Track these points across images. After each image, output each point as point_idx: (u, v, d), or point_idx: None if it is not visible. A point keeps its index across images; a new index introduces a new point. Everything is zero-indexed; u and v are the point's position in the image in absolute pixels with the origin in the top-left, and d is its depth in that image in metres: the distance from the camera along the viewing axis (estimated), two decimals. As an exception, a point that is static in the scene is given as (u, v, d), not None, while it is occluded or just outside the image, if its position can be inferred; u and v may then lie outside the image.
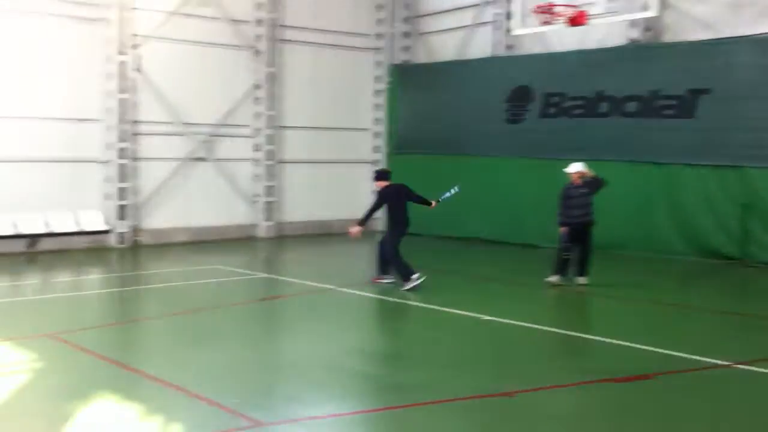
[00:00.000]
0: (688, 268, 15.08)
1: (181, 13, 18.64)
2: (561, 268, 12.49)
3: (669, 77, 15.95)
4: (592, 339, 9.21)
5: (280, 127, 20.44)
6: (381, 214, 13.71)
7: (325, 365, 8.10)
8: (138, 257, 16.65)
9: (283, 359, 8.56)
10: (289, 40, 20.53)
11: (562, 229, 12.49)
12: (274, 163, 20.23)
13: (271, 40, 20.00)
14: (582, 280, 12.51)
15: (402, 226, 12.65)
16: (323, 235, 20.72)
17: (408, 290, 11.99)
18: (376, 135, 22.13)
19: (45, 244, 16.92)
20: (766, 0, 15.28)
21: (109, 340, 9.42)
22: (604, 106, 16.99)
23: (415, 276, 12.15)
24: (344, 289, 12.39)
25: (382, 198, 12.68)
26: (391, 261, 12.49)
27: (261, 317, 11.03)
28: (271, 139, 20.11)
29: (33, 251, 16.71)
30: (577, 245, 12.48)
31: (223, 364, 8.08)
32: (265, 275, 14.60)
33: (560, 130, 17.65)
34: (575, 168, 12.52)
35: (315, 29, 20.87)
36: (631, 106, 16.51)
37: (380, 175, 13.32)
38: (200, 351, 8.64)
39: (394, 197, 12.68)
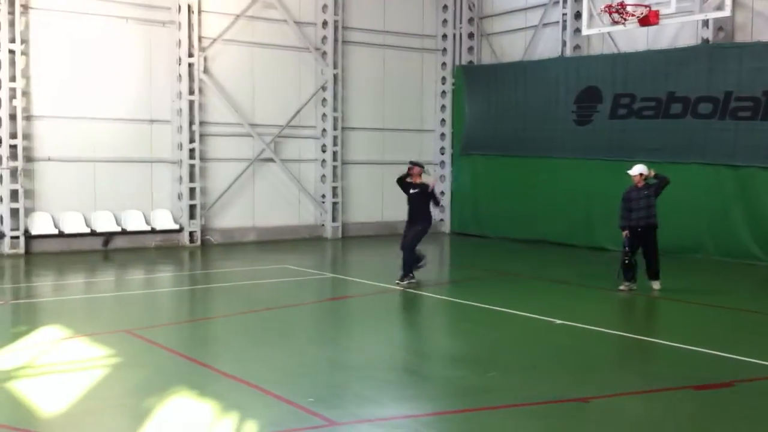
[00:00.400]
0: (765, 273, 14.67)
1: (248, 16, 18.94)
2: (626, 273, 12.23)
3: (743, 78, 15.54)
4: (667, 345, 9.01)
5: (346, 128, 20.57)
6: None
7: (396, 366, 8.12)
8: (208, 256, 16.95)
9: (354, 359, 8.59)
10: (354, 42, 20.65)
11: (624, 233, 12.23)
12: (339, 164, 20.36)
13: (336, 41, 20.14)
14: (656, 284, 12.25)
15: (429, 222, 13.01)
16: (388, 236, 20.75)
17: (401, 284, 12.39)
18: (442, 136, 22.10)
19: (118, 243, 17.36)
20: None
21: (183, 336, 9.62)
22: (676, 108, 16.62)
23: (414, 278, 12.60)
24: (411, 290, 12.38)
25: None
26: (410, 253, 12.66)
27: (329, 317, 11.10)
28: (336, 141, 20.25)
29: (107, 249, 17.15)
30: (641, 249, 12.16)
31: (295, 363, 8.16)
32: (332, 275, 14.70)
33: (630, 132, 17.35)
34: (637, 170, 12.21)
35: (379, 31, 20.98)
36: (705, 108, 16.12)
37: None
38: (272, 349, 8.75)
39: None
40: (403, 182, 12.89)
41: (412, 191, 12.71)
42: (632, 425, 6.38)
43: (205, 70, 18.45)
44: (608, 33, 17.51)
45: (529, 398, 6.94)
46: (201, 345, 9.31)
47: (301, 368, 7.96)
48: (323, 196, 20.25)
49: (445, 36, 21.97)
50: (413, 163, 13.00)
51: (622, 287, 12.15)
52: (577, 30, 18.55)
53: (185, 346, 9.00)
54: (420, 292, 12.27)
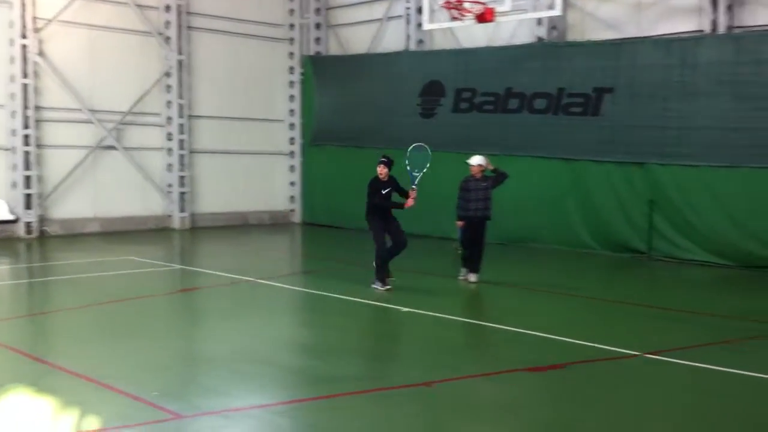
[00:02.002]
0: (598, 261, 15.64)
1: (87, -1, 18.22)
2: (465, 263, 12.50)
3: (575, 75, 16.50)
4: (506, 329, 9.48)
5: (193, 116, 20.18)
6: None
7: (246, 357, 8.12)
8: (46, 248, 16.21)
9: (203, 351, 8.53)
10: (200, 28, 20.29)
11: (459, 223, 12.50)
12: (186, 153, 19.96)
13: (180, 27, 19.70)
14: (473, 278, 12.40)
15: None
16: (240, 226, 20.63)
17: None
18: (292, 126, 22.09)
19: (-55, 235, 16.31)
20: (667, 1, 15.96)
21: (19, 332, 9.20)
22: (513, 103, 17.44)
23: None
24: (262, 281, 12.38)
25: None
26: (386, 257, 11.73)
27: (178, 309, 10.93)
28: (183, 129, 19.84)
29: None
30: (473, 240, 12.37)
31: (141, 357, 8.00)
32: (181, 267, 14.45)
33: (472, 125, 18.03)
34: (476, 160, 12.31)
35: (226, 17, 20.71)
36: (540, 103, 17.00)
37: None
38: (117, 343, 8.54)
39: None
40: (378, 193, 11.65)
41: (384, 191, 11.66)
42: (474, 407, 6.70)
43: (40, 53, 17.58)
44: (451, 29, 18.08)
45: (378, 384, 7.15)
46: (39, 340, 8.97)
47: (146, 362, 7.82)
48: (170, 185, 19.79)
49: (292, 25, 21.95)
50: (384, 162, 11.72)
51: (461, 276, 12.55)
52: (421, 24, 19.05)
53: (21, 342, 8.61)
54: (272, 283, 12.28)
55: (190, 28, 20.04)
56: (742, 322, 10.02)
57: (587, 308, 11.13)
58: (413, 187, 11.56)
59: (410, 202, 11.37)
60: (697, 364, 7.86)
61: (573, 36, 17.31)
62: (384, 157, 11.66)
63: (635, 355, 8.22)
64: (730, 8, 15.10)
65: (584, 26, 17.18)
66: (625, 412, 6.57)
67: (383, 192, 11.51)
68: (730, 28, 15.09)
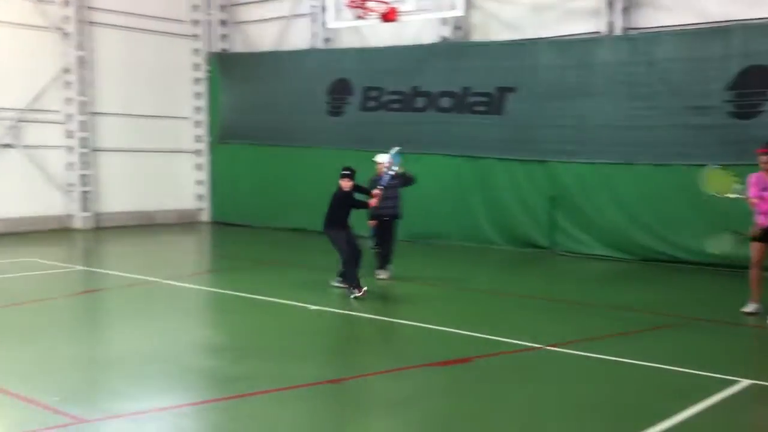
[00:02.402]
0: (502, 257, 16.00)
1: (-20, -8, 17.55)
2: (380, 262, 12.64)
3: (479, 75, 16.84)
4: (414, 325, 9.60)
5: (95, 113, 19.66)
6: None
7: (153, 359, 8.00)
8: (-63, 251, 15.53)
9: (107, 354, 8.37)
10: (101, 23, 19.77)
11: (371, 222, 12.56)
12: (89, 151, 19.44)
13: (80, 22, 19.16)
14: (383, 274, 12.53)
15: None
16: (146, 226, 20.21)
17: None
18: (198, 124, 21.78)
19: None
20: (566, 3, 16.45)
21: None
22: (420, 101, 17.67)
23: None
24: (169, 282, 12.20)
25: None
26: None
27: (81, 312, 10.67)
28: (84, 126, 19.31)
29: None
30: (383, 238, 12.52)
31: (42, 361, 7.79)
32: (84, 268, 14.08)
33: (379, 124, 18.19)
34: (383, 158, 12.23)
35: (128, 13, 20.23)
36: (446, 102, 17.29)
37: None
38: (17, 348, 8.28)
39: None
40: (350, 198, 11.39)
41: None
42: (381, 402, 6.80)
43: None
44: (358, 27, 18.17)
45: (286, 382, 7.16)
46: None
47: (48, 366, 7.63)
48: (71, 184, 19.24)
49: (197, 22, 21.63)
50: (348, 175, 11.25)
51: (381, 276, 12.55)
52: (325, 23, 19.07)
53: None
54: (179, 284, 12.12)
55: (91, 23, 19.52)
56: (638, 314, 10.45)
57: (492, 303, 11.39)
58: (380, 187, 11.60)
59: (374, 201, 11.37)
60: (595, 355, 8.17)
61: (477, 36, 17.65)
62: (346, 169, 11.25)
63: (538, 347, 8.49)
64: (626, 10, 15.68)
65: (488, 27, 17.54)
66: (524, 403, 6.77)
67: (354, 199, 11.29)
68: (625, 29, 15.67)
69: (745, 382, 7.24)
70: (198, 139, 21.80)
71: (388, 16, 15.30)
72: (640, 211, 14.98)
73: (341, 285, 11.44)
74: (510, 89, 16.45)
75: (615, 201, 15.25)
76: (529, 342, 8.65)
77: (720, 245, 10.73)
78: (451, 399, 6.90)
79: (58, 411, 6.27)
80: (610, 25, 15.76)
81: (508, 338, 8.77)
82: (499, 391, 7.08)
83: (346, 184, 11.19)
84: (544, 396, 6.93)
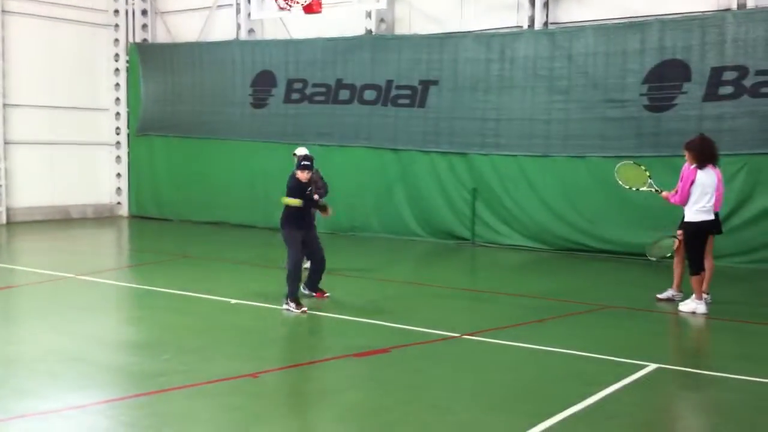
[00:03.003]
0: (424, 248, 16.13)
1: None
2: None
3: (402, 68, 16.91)
4: (333, 317, 9.63)
5: (8, 105, 19.04)
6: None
7: (62, 356, 7.81)
8: None
9: (15, 353, 8.10)
10: (15, 12, 19.15)
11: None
12: (1, 144, 18.81)
13: (-6, 10, 18.56)
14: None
15: None
16: (61, 221, 19.69)
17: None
18: (118, 116, 21.30)
19: None
20: (487, -2, 16.65)
21: None
22: (344, 94, 17.65)
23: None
24: (84, 277, 11.92)
25: None
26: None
27: (-10, 310, 10.32)
28: (-4, 118, 18.71)
29: None
30: None
31: (-52, 362, 7.53)
32: (-6, 265, 13.64)
33: (303, 116, 18.12)
34: (303, 151, 11.76)
35: (44, 1, 19.63)
36: (369, 95, 17.30)
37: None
38: None
39: None
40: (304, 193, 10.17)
41: (308, 190, 10.22)
42: (301, 395, 6.79)
43: None
44: (282, 19, 18.03)
45: (203, 378, 7.06)
46: None
47: (-47, 367, 7.37)
48: (-18, 178, 18.62)
49: (117, 11, 21.15)
50: (307, 166, 10.08)
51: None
52: (250, 14, 18.89)
53: None
54: (94, 279, 11.85)
55: (4, 12, 18.87)
56: (553, 302, 10.66)
57: (410, 294, 11.46)
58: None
59: (330, 212, 10.26)
60: (510, 343, 8.32)
61: (400, 29, 17.71)
62: (305, 159, 10.12)
63: (454, 336, 8.58)
64: (546, 5, 15.93)
65: (411, 20, 17.62)
66: (441, 391, 6.84)
67: (307, 192, 10.07)
68: (545, 24, 15.93)
69: (652, 366, 7.47)
70: (117, 131, 21.32)
71: (312, 8, 15.28)
72: (558, 202, 15.28)
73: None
74: (433, 82, 16.57)
75: (533, 192, 15.54)
76: (445, 331, 8.74)
77: (660, 252, 11.01)
78: (369, 390, 6.92)
79: (-37, 412, 6.07)
80: (531, 19, 15.99)
81: (424, 328, 8.85)
82: (416, 380, 7.13)
83: (303, 177, 10.00)
84: (460, 384, 7.01)
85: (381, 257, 15.01)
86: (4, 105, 18.92)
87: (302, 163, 10.06)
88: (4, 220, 18.84)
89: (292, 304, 9.75)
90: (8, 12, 18.99)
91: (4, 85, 18.96)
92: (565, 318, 9.72)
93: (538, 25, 15.91)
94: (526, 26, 16.05)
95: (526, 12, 16.08)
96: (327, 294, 10.56)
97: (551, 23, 15.95)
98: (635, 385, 6.97)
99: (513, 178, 15.73)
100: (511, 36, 15.97)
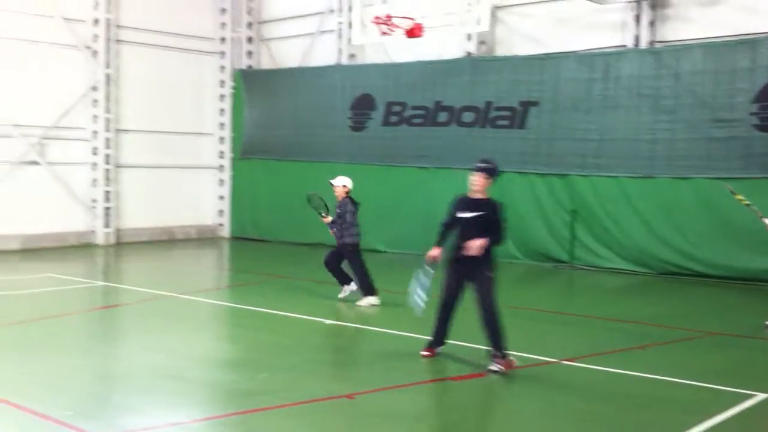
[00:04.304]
0: (520, 271, 15.85)
1: (11, 10, 17.81)
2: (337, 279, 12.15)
3: (502, 89, 16.77)
4: (426, 339, 9.52)
5: (120, 130, 19.86)
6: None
7: (166, 374, 7.99)
8: (-37, 266, 15.72)
9: (120, 369, 8.36)
10: (128, 41, 20.00)
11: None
12: (112, 168, 19.62)
13: (109, 40, 19.41)
14: (361, 301, 11.69)
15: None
16: (166, 241, 20.33)
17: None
18: (222, 140, 21.92)
19: None
20: (591, 17, 16.34)
21: (-71, 354, 8.89)
22: (442, 116, 17.63)
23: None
24: (187, 297, 12.22)
25: None
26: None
27: (97, 327, 10.70)
28: (109, 143, 19.50)
29: None
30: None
31: (57, 376, 7.80)
32: (104, 283, 14.15)
33: (401, 138, 18.18)
34: (339, 182, 11.84)
35: (155, 31, 20.45)
36: (468, 116, 17.22)
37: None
38: (30, 363, 8.30)
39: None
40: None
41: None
42: (396, 417, 6.71)
43: (-40, 64, 17.14)
44: (383, 43, 18.21)
45: (298, 398, 7.09)
46: (-51, 362, 8.67)
47: (60, 381, 7.63)
48: (94, 200, 19.42)
49: (223, 39, 21.82)
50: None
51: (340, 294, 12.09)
52: (351, 39, 19.12)
53: (-69, 363, 8.34)
54: (195, 298, 12.14)
55: (119, 41, 19.75)
56: (654, 328, 10.26)
57: (508, 317, 10.96)
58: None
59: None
60: (609, 369, 8.04)
61: (501, 51, 17.59)
62: (486, 161, 8.31)
63: (551, 362, 8.35)
64: (652, 24, 15.55)
65: (512, 41, 17.48)
66: (535, 417, 6.67)
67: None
68: (651, 42, 15.54)
69: (760, 396, 7.09)
70: (221, 155, 21.93)
71: (414, 32, 15.35)
72: (661, 224, 14.84)
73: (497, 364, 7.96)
74: (533, 103, 16.38)
75: (635, 214, 15.13)
76: (542, 356, 8.53)
77: None
78: (464, 413, 6.81)
79: (70, 426, 6.25)
80: (636, 38, 15.63)
81: (520, 352, 8.64)
82: (513, 405, 6.98)
83: (484, 181, 8.13)
84: (557, 410, 6.81)
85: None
86: (116, 130, 19.73)
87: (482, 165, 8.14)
88: (113, 241, 19.58)
89: (501, 362, 7.86)
90: (122, 41, 19.85)
91: (117, 112, 19.78)
92: (666, 345, 9.35)
93: (643, 44, 15.53)
94: (630, 45, 15.69)
95: (631, 31, 15.74)
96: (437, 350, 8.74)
97: (657, 42, 15.54)
98: (741, 416, 6.62)
99: (614, 200, 15.34)
100: (615, 55, 15.63)
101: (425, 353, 8.47)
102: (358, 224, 11.74)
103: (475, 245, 7.85)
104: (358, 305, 11.56)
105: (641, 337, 9.66)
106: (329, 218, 11.82)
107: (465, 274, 8.07)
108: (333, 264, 11.95)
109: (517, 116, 16.58)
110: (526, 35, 17.22)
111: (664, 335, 9.82)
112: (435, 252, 8.24)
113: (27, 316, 10.65)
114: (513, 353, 8.16)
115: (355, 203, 11.74)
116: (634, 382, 7.72)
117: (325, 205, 11.92)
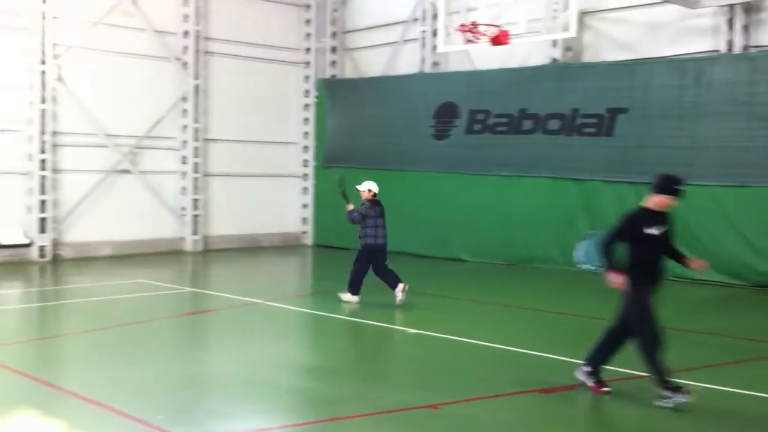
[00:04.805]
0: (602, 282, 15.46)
1: (106, 23, 18.41)
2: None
3: (589, 96, 16.45)
4: (513, 351, 9.39)
5: (207, 139, 20.31)
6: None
7: (253, 380, 8.10)
8: (59, 271, 16.30)
9: (210, 374, 8.51)
10: (216, 53, 20.46)
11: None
12: (200, 176, 20.07)
13: (197, 52, 19.89)
14: (344, 296, 12.27)
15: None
16: (251, 249, 20.67)
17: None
18: (306, 149, 22.19)
19: (-39, 258, 16.47)
20: (680, 22, 15.91)
21: (29, 356, 9.23)
22: (527, 124, 17.40)
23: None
24: (272, 303, 12.38)
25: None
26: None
27: (186, 332, 10.92)
28: (197, 152, 19.97)
29: (-52, 265, 16.23)
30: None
31: (148, 380, 8.00)
32: (192, 289, 14.47)
33: (484, 146, 18.01)
34: (365, 186, 12.42)
35: (242, 42, 20.88)
36: (553, 124, 16.96)
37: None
38: (124, 367, 8.54)
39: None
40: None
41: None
42: (481, 428, 6.62)
43: (59, 78, 17.79)
44: (466, 50, 18.11)
45: (383, 406, 7.08)
46: (48, 364, 8.98)
47: (152, 385, 7.82)
48: (183, 208, 19.90)
49: (308, 49, 22.11)
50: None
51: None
52: (436, 47, 19.07)
53: (31, 365, 8.64)
54: (281, 305, 12.27)
55: (207, 53, 20.22)
56: (749, 342, 9.88)
57: (594, 329, 10.85)
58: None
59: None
60: (703, 385, 7.73)
61: (588, 57, 17.29)
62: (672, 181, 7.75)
63: (643, 376, 8.08)
64: (746, 28, 15.04)
65: (599, 47, 17.16)
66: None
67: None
68: (745, 47, 15.03)
69: None
70: (305, 163, 22.19)
71: (500, 40, 15.19)
72: (756, 235, 14.27)
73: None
74: (621, 110, 16.01)
75: (728, 224, 14.58)
76: (631, 370, 8.26)
77: None
78: (555, 428, 6.66)
79: (162, 430, 6.38)
80: (729, 43, 15.15)
81: (611, 366, 8.41)
82: (605, 420, 6.81)
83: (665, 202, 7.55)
84: (652, 427, 6.59)
85: (560, 290, 14.56)
86: (204, 140, 20.19)
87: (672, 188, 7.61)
88: (200, 248, 20.01)
89: (669, 394, 7.02)
90: (210, 53, 20.32)
91: (205, 122, 20.24)
92: (765, 360, 8.97)
93: (737, 49, 15.03)
94: (724, 50, 15.21)
95: (723, 36, 15.25)
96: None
97: (751, 46, 15.01)
98: None
99: (706, 209, 14.82)
100: (708, 60, 15.16)
101: (604, 389, 7.42)
102: (372, 226, 12.32)
103: (702, 265, 7.56)
104: (339, 295, 12.24)
105: (737, 351, 9.34)
106: (351, 205, 12.35)
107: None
108: (378, 270, 12.26)
109: (605, 123, 16.23)
110: (615, 41, 16.87)
111: (761, 350, 9.43)
112: (619, 278, 7.23)
113: (121, 321, 10.96)
114: (603, 366, 7.95)
115: (374, 205, 12.31)
116: (732, 400, 7.43)
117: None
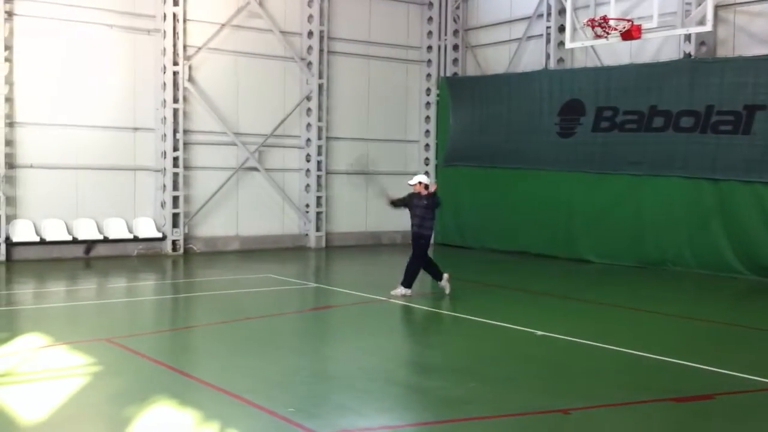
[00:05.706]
0: (744, 286, 14.78)
1: (233, 25, 18.96)
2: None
3: (724, 92, 15.68)
4: (647, 356, 9.04)
5: (330, 138, 20.61)
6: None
7: (377, 376, 8.12)
8: (190, 265, 16.91)
9: (335, 369, 8.59)
10: (339, 52, 20.73)
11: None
12: (323, 174, 20.39)
13: (321, 51, 20.20)
14: (399, 291, 12.60)
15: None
16: (372, 245, 20.85)
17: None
18: (426, 147, 22.20)
19: (100, 250, 17.29)
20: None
21: (163, 345, 9.59)
22: (658, 121, 16.76)
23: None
24: (395, 301, 12.41)
25: None
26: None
27: (312, 326, 11.10)
28: (320, 150, 20.28)
29: (89, 257, 17.07)
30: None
31: (276, 373, 8.14)
32: (315, 285, 14.70)
33: (612, 144, 17.47)
34: (416, 179, 12.88)
35: (364, 41, 21.09)
36: (686, 121, 16.25)
37: None
38: (253, 358, 8.73)
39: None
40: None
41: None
42: (612, 436, 6.42)
43: (190, 79, 18.44)
44: (591, 46, 17.65)
45: (510, 409, 6.96)
46: (182, 354, 9.29)
47: (281, 378, 7.95)
48: (307, 205, 20.27)
49: (430, 47, 22.10)
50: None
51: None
52: (561, 43, 18.66)
53: (166, 354, 8.97)
54: (403, 303, 12.28)
55: (330, 52, 20.52)
56: None
57: (730, 335, 10.48)
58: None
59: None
60: None
61: (723, 52, 16.49)
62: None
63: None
64: None
65: (735, 41, 16.34)
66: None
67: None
68: None
69: None
70: (426, 161, 22.19)
71: (631, 35, 14.71)
72: None
73: None
74: (760, 107, 15.17)
75: None
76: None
77: None
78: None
79: (293, 422, 6.48)
80: None
81: (750, 375, 7.99)
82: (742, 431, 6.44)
83: None
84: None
85: (697, 294, 13.98)
86: (327, 138, 20.49)
87: None
88: (323, 244, 20.33)
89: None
90: (333, 52, 20.60)
91: (329, 120, 20.54)
92: None
93: None
94: None
95: None
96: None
97: None
98: None
99: None
100: None
101: None
102: (420, 216, 12.77)
103: None
104: (392, 293, 12.53)
105: None
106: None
107: None
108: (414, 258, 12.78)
109: (742, 121, 15.43)
110: (751, 35, 16.03)
111: None
112: None
113: (249, 314, 11.25)
114: (743, 375, 7.55)
115: (428, 197, 12.62)
116: None
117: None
